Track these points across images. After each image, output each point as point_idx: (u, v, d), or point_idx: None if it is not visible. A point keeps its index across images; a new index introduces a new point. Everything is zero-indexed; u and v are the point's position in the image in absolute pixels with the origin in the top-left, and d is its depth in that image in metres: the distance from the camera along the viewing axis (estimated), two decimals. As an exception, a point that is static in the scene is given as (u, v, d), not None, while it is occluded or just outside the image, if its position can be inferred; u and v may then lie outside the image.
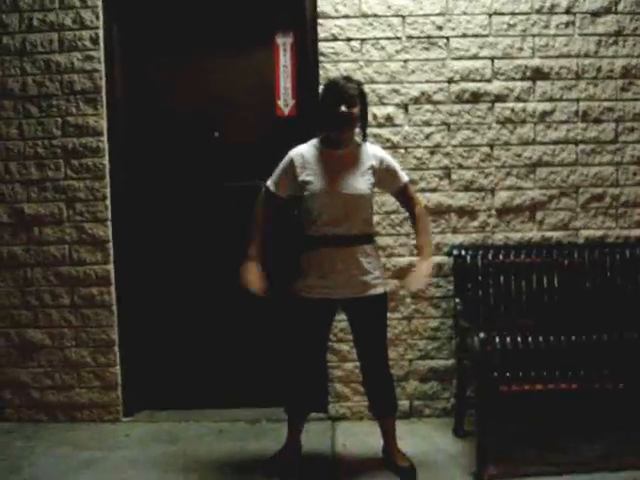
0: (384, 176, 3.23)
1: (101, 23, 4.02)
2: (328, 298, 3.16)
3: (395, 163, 3.30)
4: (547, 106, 4.00)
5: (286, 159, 3.22)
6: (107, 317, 4.07)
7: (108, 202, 4.05)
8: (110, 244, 4.07)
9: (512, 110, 4.00)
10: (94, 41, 4.00)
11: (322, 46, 3.97)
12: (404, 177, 3.29)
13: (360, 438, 3.78)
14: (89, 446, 3.78)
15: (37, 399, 4.14)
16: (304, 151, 3.22)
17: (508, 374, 3.25)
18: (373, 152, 3.24)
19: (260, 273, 3.20)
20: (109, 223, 4.06)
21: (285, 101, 4.11)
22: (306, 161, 3.17)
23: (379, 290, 3.21)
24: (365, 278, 3.16)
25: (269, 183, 3.25)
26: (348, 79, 3.19)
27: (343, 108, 3.06)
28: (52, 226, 4.07)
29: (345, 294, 3.16)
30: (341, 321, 3.83)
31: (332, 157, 3.17)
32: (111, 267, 4.07)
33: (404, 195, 3.33)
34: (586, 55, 4.00)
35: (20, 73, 4.04)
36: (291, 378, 3.39)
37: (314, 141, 3.25)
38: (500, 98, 4.00)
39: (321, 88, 3.40)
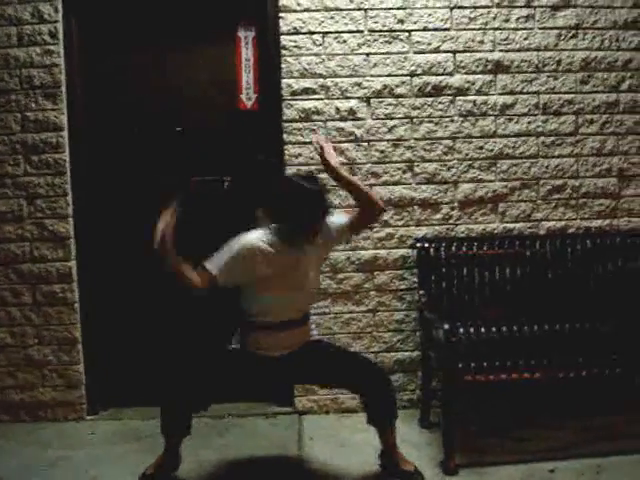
0: (329, 237, 3.10)
1: (60, 17, 3.96)
2: (267, 355, 3.07)
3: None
4: (508, 99, 4.03)
5: (243, 247, 2.94)
6: (69, 315, 4.02)
7: (69, 198, 4.00)
8: (72, 240, 4.02)
9: (474, 103, 4.03)
10: (53, 35, 3.94)
11: (284, 39, 3.95)
12: (343, 218, 3.15)
13: (327, 431, 3.79)
14: (54, 445, 3.74)
15: (-1, 399, 4.09)
16: (261, 243, 2.95)
17: (472, 364, 3.27)
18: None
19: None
20: (70, 219, 4.01)
21: (248, 95, 4.09)
22: (264, 255, 2.94)
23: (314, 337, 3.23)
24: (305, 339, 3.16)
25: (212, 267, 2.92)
26: (318, 184, 3.00)
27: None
28: (12, 223, 4.00)
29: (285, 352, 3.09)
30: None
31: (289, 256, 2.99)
32: (73, 264, 4.02)
33: (354, 224, 3.17)
34: (546, 48, 4.04)
35: (-22, 68, 3.98)
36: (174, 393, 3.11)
37: (266, 232, 2.99)
38: (462, 91, 4.02)
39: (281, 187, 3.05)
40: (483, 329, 3.45)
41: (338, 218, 3.14)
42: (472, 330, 3.45)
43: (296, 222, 2.93)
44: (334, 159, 3.09)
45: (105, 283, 4.14)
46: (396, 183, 4.01)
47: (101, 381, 4.16)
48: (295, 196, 2.92)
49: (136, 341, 4.20)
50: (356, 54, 3.98)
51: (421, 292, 3.83)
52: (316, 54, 3.96)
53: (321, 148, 3.09)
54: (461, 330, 3.43)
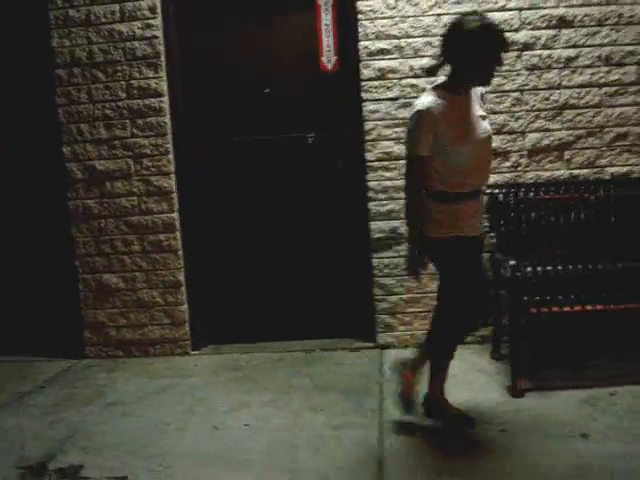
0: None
1: (157, -8, 4.36)
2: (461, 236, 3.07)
3: None
4: (572, 52, 4.23)
5: (420, 115, 2.93)
6: (174, 260, 4.50)
7: (171, 156, 4.45)
8: (175, 194, 4.47)
9: (539, 57, 4.25)
10: (152, 10, 4.36)
11: (360, 4, 4.25)
12: None
13: (406, 362, 4.13)
14: (163, 375, 4.22)
15: (114, 337, 4.59)
16: (432, 103, 2.94)
17: (537, 298, 3.54)
18: (479, 90, 3.12)
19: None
20: (173, 175, 4.46)
21: (328, 57, 4.41)
22: (439, 113, 2.91)
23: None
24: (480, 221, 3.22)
25: (417, 148, 2.97)
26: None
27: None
28: (122, 180, 4.48)
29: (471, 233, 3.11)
30: (386, 258, 4.26)
31: (460, 104, 3.00)
32: (176, 215, 4.48)
33: None
34: (608, 3, 4.21)
35: (87, 42, 4.43)
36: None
37: (433, 92, 3.01)
38: (528, 46, 4.24)
39: (461, 32, 2.92)
40: (549, 267, 3.67)
41: None
42: (538, 267, 3.67)
43: (484, 59, 2.90)
44: None
45: (205, 231, 4.58)
46: (467, 134, 4.26)
47: (203, 320, 4.62)
48: (481, 34, 2.87)
49: (233, 284, 4.64)
50: (427, 15, 4.24)
51: (492, 235, 4.09)
52: (390, 17, 4.25)
53: None
54: (529, 269, 3.66)
